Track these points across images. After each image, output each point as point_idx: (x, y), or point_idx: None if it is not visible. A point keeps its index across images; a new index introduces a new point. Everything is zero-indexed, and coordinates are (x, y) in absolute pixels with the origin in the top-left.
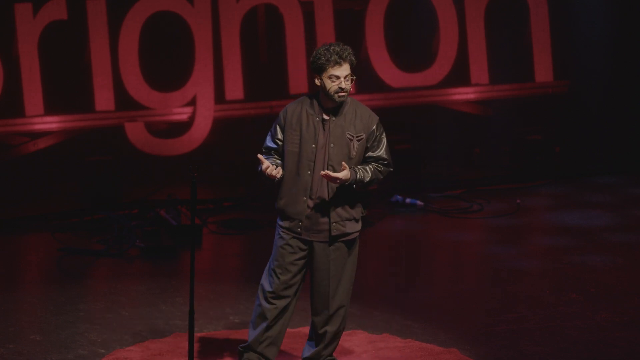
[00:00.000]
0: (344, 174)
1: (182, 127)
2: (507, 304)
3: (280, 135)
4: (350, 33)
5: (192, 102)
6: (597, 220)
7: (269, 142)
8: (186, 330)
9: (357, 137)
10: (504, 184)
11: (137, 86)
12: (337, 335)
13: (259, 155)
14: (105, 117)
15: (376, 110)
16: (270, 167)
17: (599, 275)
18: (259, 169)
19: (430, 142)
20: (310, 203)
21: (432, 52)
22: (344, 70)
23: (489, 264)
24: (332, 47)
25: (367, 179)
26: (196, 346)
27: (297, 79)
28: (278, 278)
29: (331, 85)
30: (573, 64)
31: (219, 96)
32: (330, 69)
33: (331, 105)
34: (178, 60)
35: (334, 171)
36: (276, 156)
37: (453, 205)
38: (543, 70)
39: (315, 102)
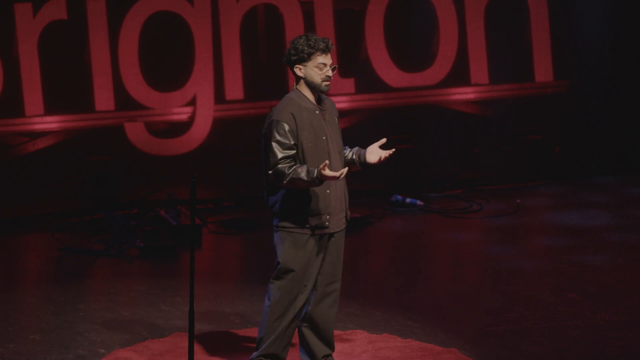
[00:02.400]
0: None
1: (182, 127)
2: (507, 304)
3: (294, 140)
4: (350, 33)
5: (192, 102)
6: (597, 220)
7: (286, 152)
8: (186, 330)
9: (339, 120)
10: (503, 184)
11: (137, 86)
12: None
13: (328, 172)
14: (105, 117)
15: (376, 110)
16: (337, 173)
17: (598, 275)
18: (315, 177)
19: (430, 142)
20: (332, 194)
21: (432, 52)
22: (329, 58)
23: (489, 264)
24: (313, 37)
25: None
26: (196, 346)
27: None
28: (299, 279)
29: (318, 74)
30: (573, 64)
31: (219, 96)
32: (318, 57)
33: (316, 96)
34: (178, 60)
35: (340, 158)
36: (292, 162)
37: (453, 205)
38: (543, 70)
39: (305, 97)
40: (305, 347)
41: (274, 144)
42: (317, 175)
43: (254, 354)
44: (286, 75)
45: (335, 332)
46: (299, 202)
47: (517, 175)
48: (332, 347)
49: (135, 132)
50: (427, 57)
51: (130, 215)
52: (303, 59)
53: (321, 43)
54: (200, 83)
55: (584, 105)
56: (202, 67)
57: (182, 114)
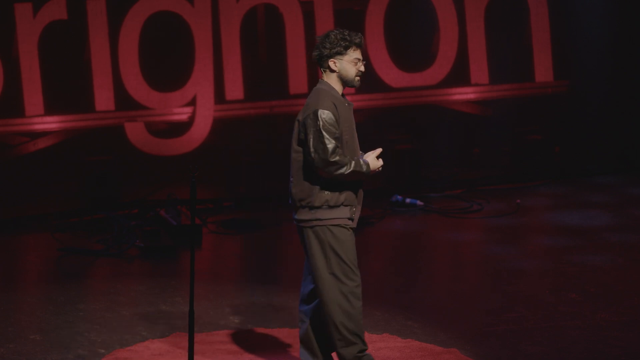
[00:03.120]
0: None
1: (182, 127)
2: (507, 304)
3: (338, 131)
4: None
5: (192, 102)
6: (597, 220)
7: (336, 141)
8: (186, 330)
9: None
10: (503, 184)
11: (137, 86)
12: None
13: (378, 163)
14: (105, 117)
15: (376, 110)
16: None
17: (598, 275)
18: (365, 169)
19: (430, 142)
20: (359, 188)
21: (432, 52)
22: (361, 53)
23: (489, 264)
24: (347, 31)
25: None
26: (196, 346)
27: (297, 79)
28: (357, 274)
29: (352, 69)
30: (573, 64)
31: (219, 96)
32: (352, 51)
33: (344, 91)
34: (178, 60)
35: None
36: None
37: (453, 205)
38: (543, 70)
39: (336, 91)
40: (309, 344)
41: (324, 134)
42: (369, 169)
43: (357, 353)
44: (286, 75)
45: None
46: (343, 192)
47: (517, 175)
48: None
49: (135, 132)
50: (427, 57)
51: (130, 215)
52: (339, 53)
53: (356, 37)
54: (200, 83)
55: (584, 105)
56: (202, 67)
57: (182, 114)
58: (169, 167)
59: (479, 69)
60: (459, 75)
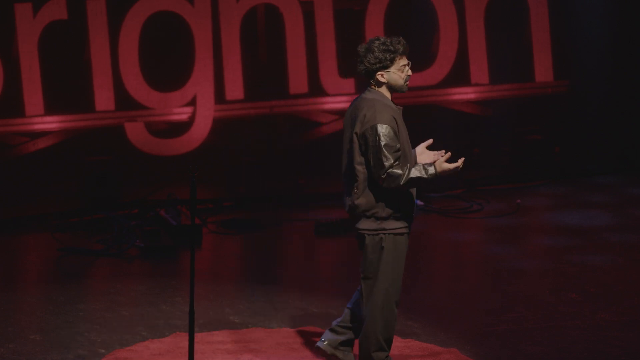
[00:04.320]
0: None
1: (182, 127)
2: (507, 304)
3: (399, 144)
4: (350, 33)
5: (192, 102)
6: (597, 220)
7: (396, 154)
8: (186, 330)
9: None
10: (503, 184)
11: (137, 86)
12: None
13: (446, 165)
14: (105, 117)
15: None
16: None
17: (598, 275)
18: (435, 173)
19: None
20: (414, 199)
21: (432, 52)
22: (406, 58)
23: (489, 264)
24: (389, 40)
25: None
26: (196, 346)
27: (297, 79)
28: (400, 285)
29: (401, 76)
30: (573, 64)
31: (219, 96)
32: (399, 60)
33: (393, 98)
34: (178, 60)
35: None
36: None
37: (453, 205)
38: (543, 70)
39: (388, 100)
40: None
41: (384, 150)
42: (435, 172)
43: (384, 358)
44: (286, 75)
45: None
46: (407, 202)
47: (517, 175)
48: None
49: (136, 132)
50: (427, 57)
51: (130, 215)
52: (386, 66)
53: (399, 46)
54: (200, 83)
55: (584, 105)
56: (202, 67)
57: (182, 114)
58: (169, 167)
59: (479, 69)
60: (459, 75)
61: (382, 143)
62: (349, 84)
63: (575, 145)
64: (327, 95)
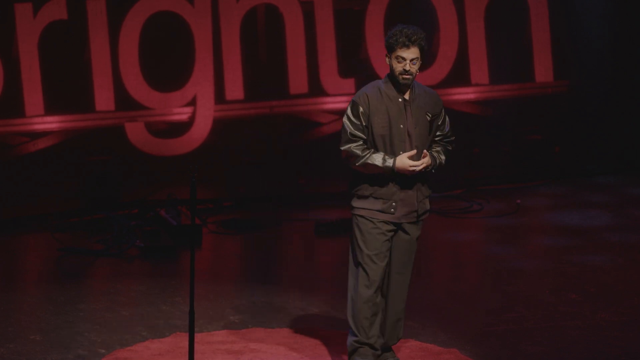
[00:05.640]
0: (426, 160)
1: (182, 127)
2: (507, 304)
3: (365, 122)
4: (350, 33)
5: (192, 102)
6: (597, 220)
7: (356, 131)
8: (186, 330)
9: (433, 116)
10: (504, 184)
11: (137, 86)
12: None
13: (407, 163)
14: (105, 117)
15: None
16: (419, 163)
17: (598, 275)
18: (389, 166)
19: None
20: (402, 184)
21: (432, 52)
22: (411, 53)
23: (489, 264)
24: (404, 29)
25: (444, 162)
26: (196, 346)
27: (297, 79)
28: (375, 264)
29: (397, 66)
30: (573, 64)
31: (219, 96)
32: (398, 49)
33: (403, 87)
34: (178, 60)
35: (419, 152)
36: (364, 144)
37: (453, 205)
38: (543, 70)
39: (390, 85)
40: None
41: (346, 122)
42: (392, 165)
43: (353, 342)
44: (286, 75)
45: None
46: (371, 184)
47: (517, 175)
48: (390, 340)
49: (136, 132)
50: (427, 57)
51: (130, 215)
52: (389, 50)
53: (402, 37)
54: (200, 83)
55: (584, 105)
56: (202, 67)
57: (182, 114)
58: (169, 167)
59: (479, 69)
60: (459, 75)
61: (344, 119)
62: (349, 84)
63: (575, 145)
64: (327, 95)
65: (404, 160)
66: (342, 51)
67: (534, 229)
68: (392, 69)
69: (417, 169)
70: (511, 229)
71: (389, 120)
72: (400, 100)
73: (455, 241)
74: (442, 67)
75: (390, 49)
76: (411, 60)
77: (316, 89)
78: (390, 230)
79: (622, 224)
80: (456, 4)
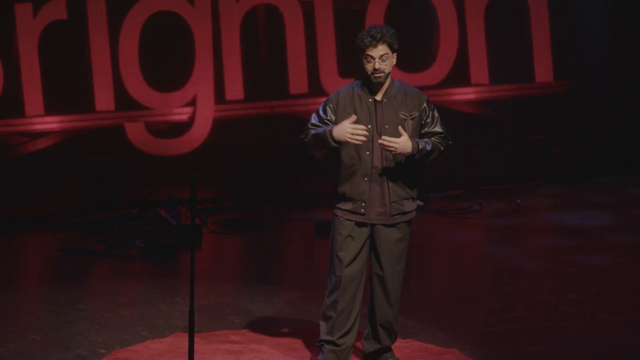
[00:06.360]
0: (403, 139)
1: (182, 127)
2: (506, 304)
3: (331, 117)
4: (350, 33)
5: (192, 102)
6: (597, 220)
7: (317, 122)
8: (186, 330)
9: (410, 116)
10: (503, 184)
11: (137, 86)
12: (395, 321)
13: (349, 128)
14: (105, 117)
15: None
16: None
17: (598, 275)
18: (326, 133)
19: None
20: (370, 184)
21: (432, 52)
22: (378, 50)
23: (489, 264)
24: (370, 29)
25: (429, 148)
26: (196, 346)
27: (297, 79)
28: (342, 263)
29: (367, 66)
30: (573, 64)
31: (219, 96)
32: (366, 50)
33: (376, 87)
34: (178, 60)
35: (390, 155)
36: None
37: (453, 205)
38: (543, 70)
39: (365, 86)
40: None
41: (314, 114)
42: (329, 131)
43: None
44: (286, 75)
45: None
46: (341, 184)
47: (517, 175)
48: (382, 341)
49: (136, 132)
50: (427, 57)
51: (130, 215)
52: (359, 52)
53: (367, 38)
54: (200, 83)
55: (584, 105)
56: (202, 67)
57: (182, 114)
58: (169, 167)
59: (479, 69)
60: (459, 75)
61: (316, 110)
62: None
63: (575, 145)
64: (327, 95)
65: (342, 125)
66: (342, 51)
67: (534, 229)
68: (365, 70)
69: (385, 144)
70: (511, 229)
71: (357, 120)
72: (370, 100)
73: (455, 241)
74: (442, 67)
75: (360, 51)
76: (380, 57)
77: (316, 89)
78: (363, 231)
79: (622, 224)
80: (456, 4)
